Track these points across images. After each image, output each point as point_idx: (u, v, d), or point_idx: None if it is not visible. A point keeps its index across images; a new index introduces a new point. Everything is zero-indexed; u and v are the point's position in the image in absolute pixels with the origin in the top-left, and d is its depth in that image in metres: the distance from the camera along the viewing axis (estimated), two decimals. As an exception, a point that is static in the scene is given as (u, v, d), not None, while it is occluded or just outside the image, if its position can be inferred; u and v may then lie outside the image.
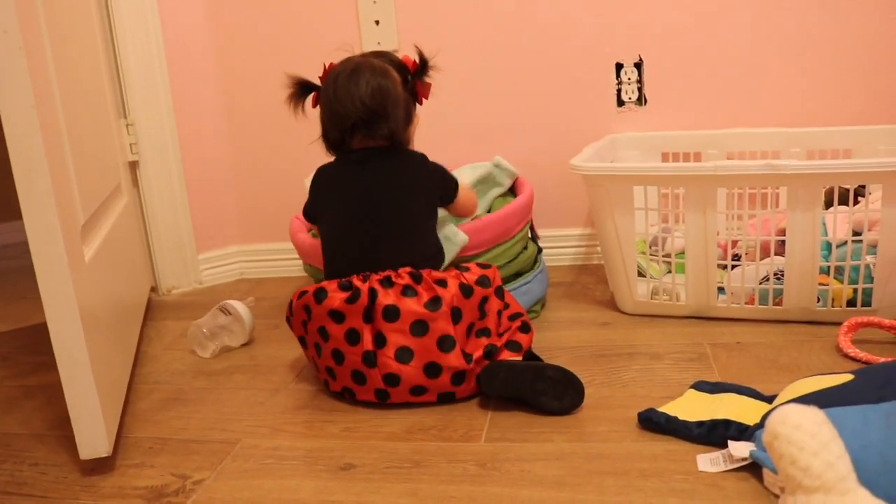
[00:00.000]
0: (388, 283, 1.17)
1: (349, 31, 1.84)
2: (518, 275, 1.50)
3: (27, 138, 0.97)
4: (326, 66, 1.33)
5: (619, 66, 1.77)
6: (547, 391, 1.12)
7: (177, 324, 1.71)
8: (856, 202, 1.43)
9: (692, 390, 1.13)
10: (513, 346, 1.23)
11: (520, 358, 1.21)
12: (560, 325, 1.49)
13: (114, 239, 1.44)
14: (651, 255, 1.52)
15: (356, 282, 1.18)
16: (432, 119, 1.86)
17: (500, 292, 1.26)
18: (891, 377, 0.94)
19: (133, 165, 1.86)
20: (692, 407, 1.07)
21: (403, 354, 1.15)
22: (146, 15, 1.80)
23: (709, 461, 0.95)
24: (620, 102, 1.80)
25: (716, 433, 0.99)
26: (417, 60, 1.34)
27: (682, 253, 1.44)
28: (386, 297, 1.16)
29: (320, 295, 1.19)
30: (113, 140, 1.67)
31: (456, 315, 1.17)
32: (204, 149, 1.96)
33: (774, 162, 1.30)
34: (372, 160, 1.28)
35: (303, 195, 1.39)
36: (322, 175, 1.34)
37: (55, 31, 1.18)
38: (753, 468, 0.92)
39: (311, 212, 1.37)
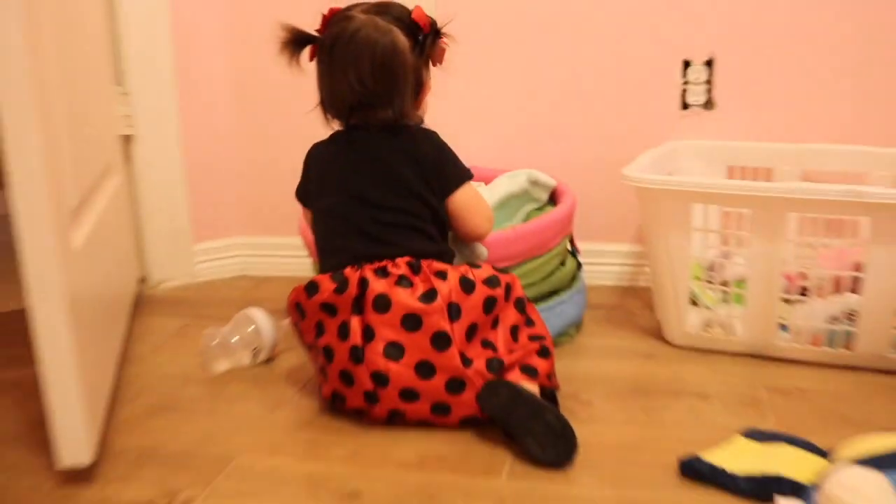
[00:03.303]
0: (382, 272, 1.23)
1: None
2: (553, 293, 1.54)
3: (20, 112, 1.00)
4: (325, 14, 1.32)
5: (686, 64, 1.80)
6: (537, 434, 1.13)
7: (168, 321, 1.77)
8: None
9: (742, 438, 1.16)
10: (528, 369, 1.24)
11: (535, 386, 1.23)
12: (597, 353, 1.53)
13: (104, 223, 1.49)
14: (706, 281, 1.55)
15: (347, 272, 1.24)
16: (468, 113, 1.91)
17: (520, 304, 1.29)
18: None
19: (127, 140, 1.92)
20: (740, 457, 1.10)
21: (393, 350, 1.19)
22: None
23: (755, 519, 0.99)
24: (685, 105, 1.83)
25: (765, 489, 1.02)
26: (430, 23, 1.32)
27: (742, 282, 1.48)
28: (377, 286, 1.21)
29: (311, 290, 1.25)
30: (106, 111, 1.73)
31: (454, 311, 1.20)
32: (208, 125, 2.02)
33: (858, 188, 1.33)
34: (372, 143, 1.31)
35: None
36: (315, 154, 1.39)
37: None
38: (805, 531, 0.95)
39: (303, 194, 1.42)
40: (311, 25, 1.31)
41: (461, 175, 1.35)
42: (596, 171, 1.86)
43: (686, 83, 1.82)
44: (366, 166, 1.30)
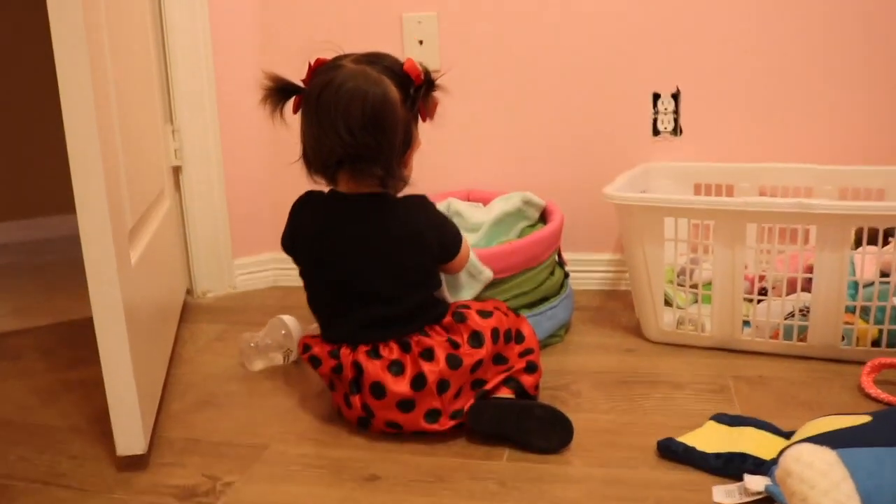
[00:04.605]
0: (374, 353, 1.14)
1: (393, 50, 1.89)
2: (544, 299, 1.52)
3: (86, 146, 1.02)
4: (311, 64, 1.15)
5: (656, 96, 1.80)
6: (534, 430, 1.10)
7: (210, 327, 1.76)
8: (885, 243, 1.44)
9: (712, 422, 1.15)
10: (511, 383, 1.19)
11: (512, 395, 1.19)
12: (584, 349, 1.52)
13: (157, 242, 1.49)
14: (678, 284, 1.54)
15: (343, 352, 1.16)
16: (466, 142, 1.91)
17: (507, 336, 1.21)
18: (908, 421, 0.96)
19: (176, 170, 1.92)
20: (711, 438, 1.09)
21: (392, 425, 1.16)
22: (197, 25, 1.86)
23: (724, 493, 0.98)
24: (656, 132, 1.82)
25: (732, 465, 1.01)
26: (423, 74, 1.14)
27: (710, 284, 1.46)
28: (371, 371, 1.13)
29: (314, 363, 1.20)
30: (160, 145, 1.73)
31: (442, 387, 1.13)
32: (244, 157, 2.01)
33: (805, 201, 1.32)
34: (362, 218, 1.15)
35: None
36: (305, 213, 1.22)
37: (115, 41, 1.24)
38: (767, 502, 0.94)
39: (288, 247, 1.25)
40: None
41: (457, 241, 1.23)
42: (581, 190, 1.85)
43: (656, 113, 1.81)
44: (358, 245, 1.15)
